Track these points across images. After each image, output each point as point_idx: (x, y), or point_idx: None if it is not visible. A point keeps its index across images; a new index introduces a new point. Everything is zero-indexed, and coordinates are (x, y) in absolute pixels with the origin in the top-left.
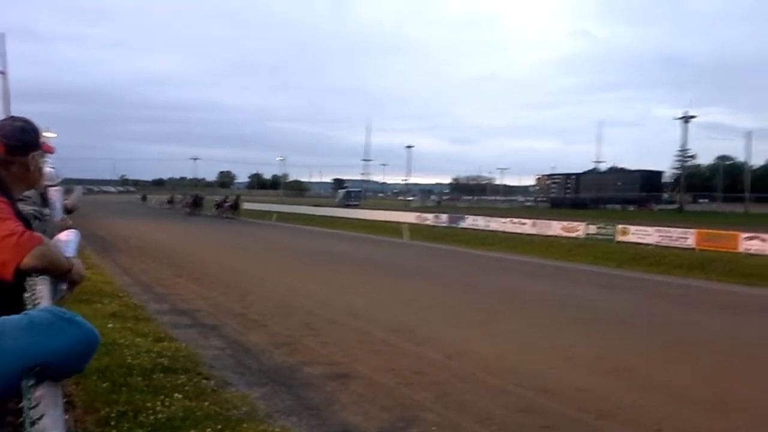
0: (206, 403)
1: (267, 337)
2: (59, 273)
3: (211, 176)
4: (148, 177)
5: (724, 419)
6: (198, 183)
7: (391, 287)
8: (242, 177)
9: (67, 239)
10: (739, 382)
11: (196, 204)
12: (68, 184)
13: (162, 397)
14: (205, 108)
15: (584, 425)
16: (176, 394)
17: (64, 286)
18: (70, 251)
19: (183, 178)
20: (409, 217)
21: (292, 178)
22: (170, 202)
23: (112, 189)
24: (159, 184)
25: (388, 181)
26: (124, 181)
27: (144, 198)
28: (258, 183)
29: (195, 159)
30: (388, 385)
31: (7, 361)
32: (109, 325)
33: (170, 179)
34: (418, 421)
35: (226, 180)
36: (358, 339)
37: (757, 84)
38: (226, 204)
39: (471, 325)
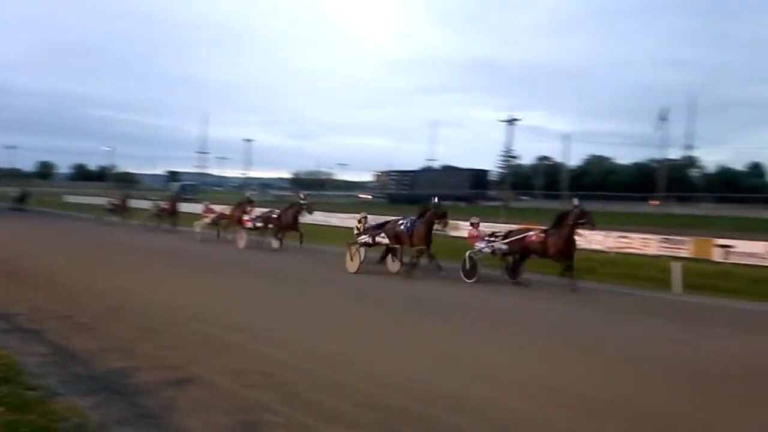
0: (32, 416)
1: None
2: None
3: (28, 166)
4: None
5: None
6: (16, 174)
7: (224, 285)
8: (64, 168)
9: None
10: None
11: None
12: None
13: None
14: (14, 93)
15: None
16: None
17: None
18: None
19: None
20: None
21: (120, 169)
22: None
23: None
24: None
25: (226, 175)
26: None
27: (22, 199)
28: (82, 174)
29: (11, 147)
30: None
31: None
32: None
33: None
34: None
35: (46, 171)
36: (199, 340)
37: (566, 89)
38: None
39: (313, 322)
